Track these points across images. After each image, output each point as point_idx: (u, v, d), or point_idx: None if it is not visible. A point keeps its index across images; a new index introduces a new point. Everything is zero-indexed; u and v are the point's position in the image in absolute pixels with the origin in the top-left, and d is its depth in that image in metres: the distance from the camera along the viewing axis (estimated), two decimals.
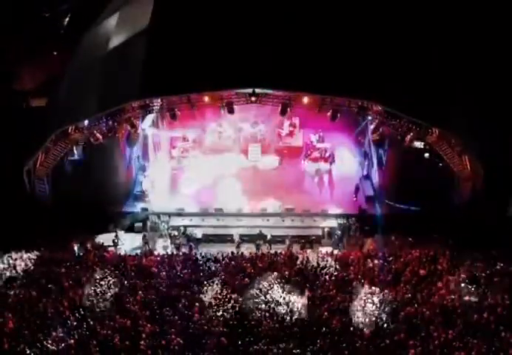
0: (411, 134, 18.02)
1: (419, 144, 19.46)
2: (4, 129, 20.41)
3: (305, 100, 17.88)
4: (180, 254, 19.04)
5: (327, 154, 23.67)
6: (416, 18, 18.91)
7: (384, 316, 15.55)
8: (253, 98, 17.55)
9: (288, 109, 18.19)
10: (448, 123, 18.03)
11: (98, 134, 18.19)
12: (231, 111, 18.18)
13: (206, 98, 18.00)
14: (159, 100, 18.46)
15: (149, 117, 22.30)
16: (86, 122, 18.70)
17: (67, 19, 29.31)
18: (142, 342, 15.06)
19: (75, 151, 20.11)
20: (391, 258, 18.51)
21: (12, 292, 16.82)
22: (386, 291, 16.64)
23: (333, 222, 20.68)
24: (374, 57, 17.41)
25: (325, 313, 15.99)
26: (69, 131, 18.48)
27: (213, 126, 24.53)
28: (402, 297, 16.64)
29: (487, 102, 19.31)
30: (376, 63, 17.28)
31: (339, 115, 18.00)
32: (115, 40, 18.91)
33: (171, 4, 18.34)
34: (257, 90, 17.78)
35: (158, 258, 18.51)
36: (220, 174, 23.03)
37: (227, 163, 23.62)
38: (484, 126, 18.73)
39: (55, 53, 27.28)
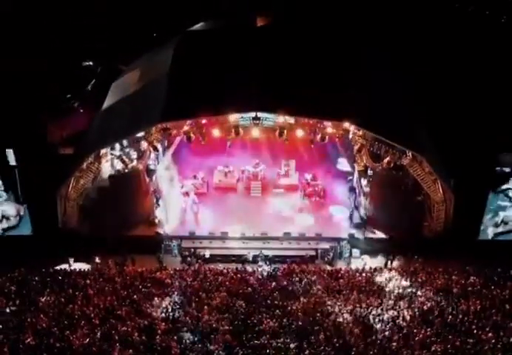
0: (388, 157, 21.23)
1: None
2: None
3: (299, 132, 21.79)
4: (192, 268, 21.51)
5: (318, 190, 26.81)
6: (392, 46, 22.08)
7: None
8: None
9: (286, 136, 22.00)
10: (419, 147, 20.84)
11: (126, 159, 21.42)
12: (237, 133, 21.66)
13: (216, 131, 21.77)
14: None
15: (164, 161, 25.89)
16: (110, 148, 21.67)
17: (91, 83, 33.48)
18: (157, 338, 17.32)
19: None
20: (376, 272, 21.06)
21: (43, 299, 19.22)
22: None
23: (326, 245, 23.23)
24: (354, 83, 20.48)
25: (318, 315, 18.33)
26: (100, 155, 21.23)
27: (220, 167, 27.95)
28: (386, 303, 19.04)
29: (459, 131, 22.01)
30: (358, 90, 20.30)
31: (327, 137, 21.51)
32: (139, 82, 22.65)
33: (186, 52, 22.29)
34: (259, 114, 21.10)
35: (171, 272, 21.02)
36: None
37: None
38: (456, 154, 21.48)
39: (81, 110, 31.20)
